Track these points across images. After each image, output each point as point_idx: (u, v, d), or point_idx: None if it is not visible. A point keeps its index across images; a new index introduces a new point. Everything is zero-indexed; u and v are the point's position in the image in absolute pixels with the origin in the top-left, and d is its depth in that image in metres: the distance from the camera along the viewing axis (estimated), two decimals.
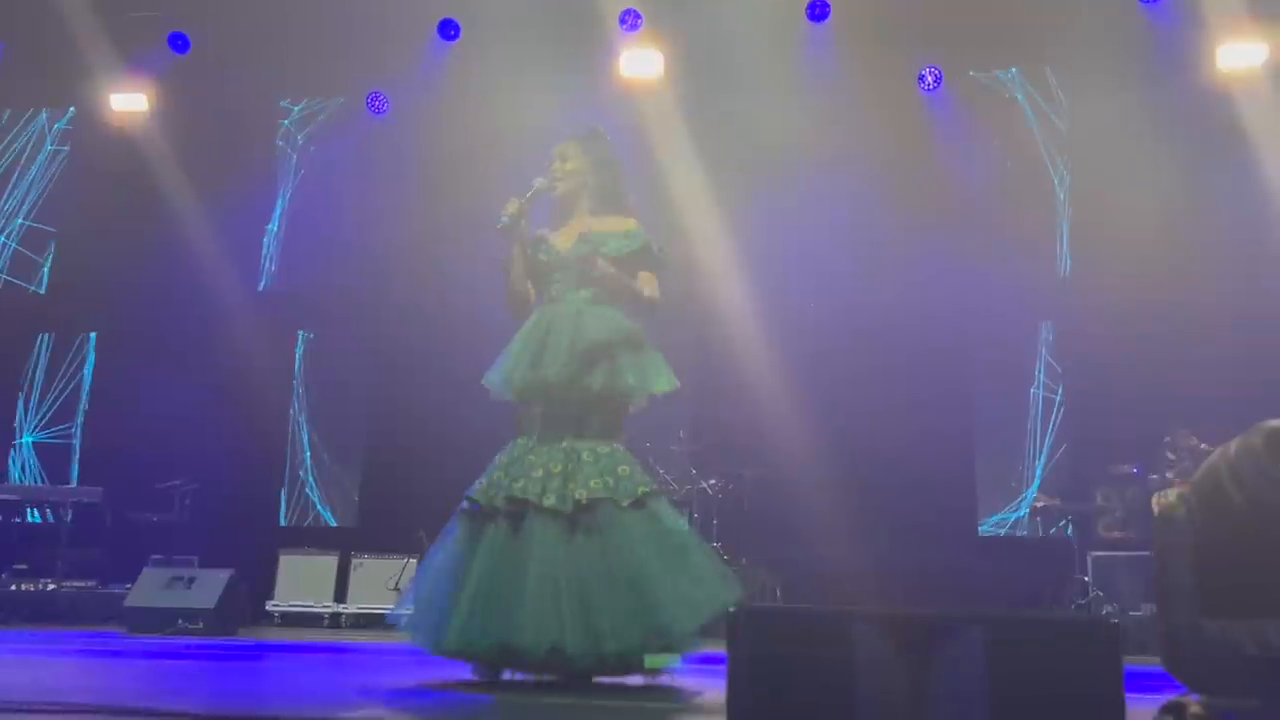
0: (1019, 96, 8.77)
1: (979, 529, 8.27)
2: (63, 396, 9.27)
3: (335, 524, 8.83)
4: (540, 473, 3.16)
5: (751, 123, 8.39)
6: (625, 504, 3.14)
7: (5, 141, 9.70)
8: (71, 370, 9.35)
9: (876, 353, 7.96)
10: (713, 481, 7.65)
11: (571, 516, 3.08)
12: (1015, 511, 8.27)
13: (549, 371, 3.26)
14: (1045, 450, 8.32)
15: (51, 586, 6.99)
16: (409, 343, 8.66)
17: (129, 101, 9.00)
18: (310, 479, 8.96)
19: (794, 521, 7.49)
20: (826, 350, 7.96)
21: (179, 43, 8.86)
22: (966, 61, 8.74)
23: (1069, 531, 7.78)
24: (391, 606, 6.86)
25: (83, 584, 7.19)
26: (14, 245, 9.59)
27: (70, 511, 7.63)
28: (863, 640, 1.48)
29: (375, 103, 9.13)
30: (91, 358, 9.40)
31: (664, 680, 3.16)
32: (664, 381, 3.39)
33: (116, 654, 4.42)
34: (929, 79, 8.65)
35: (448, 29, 8.74)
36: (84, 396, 9.28)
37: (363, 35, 8.69)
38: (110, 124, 9.12)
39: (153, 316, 8.90)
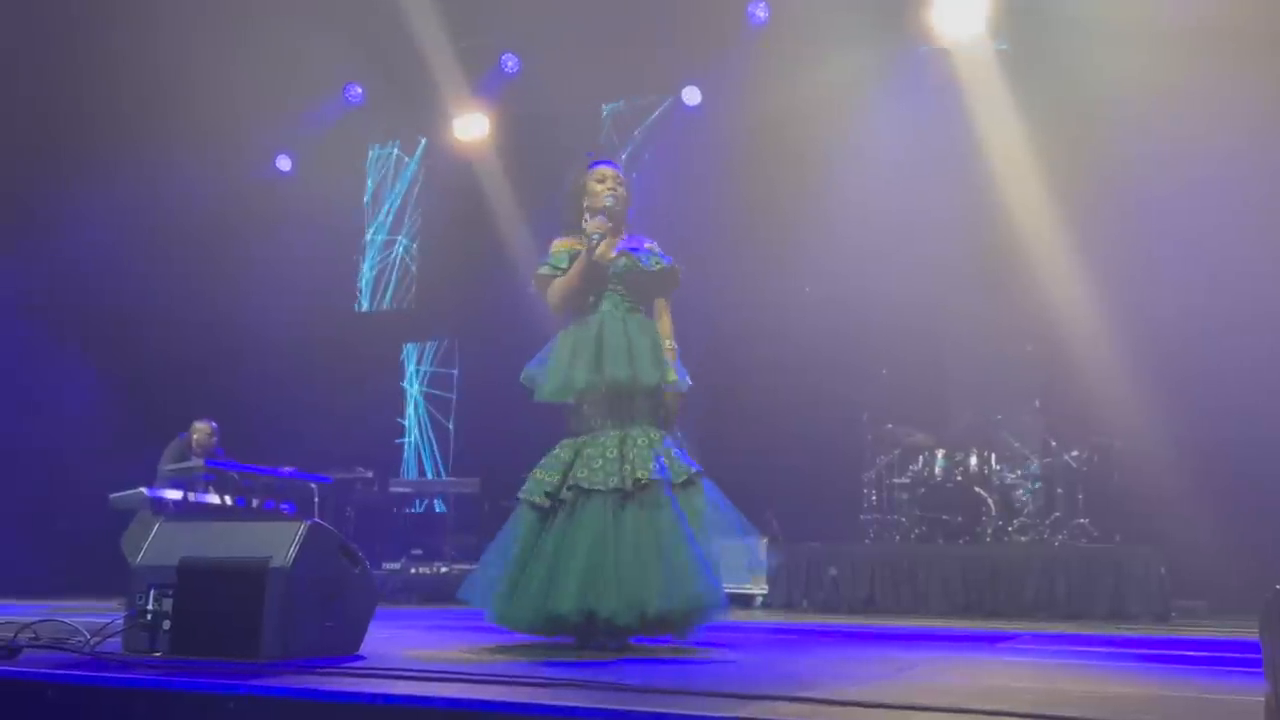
0: None
1: None
2: (435, 398, 10.26)
3: None
4: (600, 462, 3.57)
5: (1090, 75, 7.51)
6: (677, 483, 3.60)
7: (373, 175, 10.89)
8: (441, 374, 10.34)
9: (1263, 312, 7.01)
10: (1075, 453, 7.11)
11: (629, 494, 3.51)
12: None
13: (612, 371, 3.66)
14: None
15: (444, 569, 7.73)
16: (734, 332, 8.71)
17: (472, 126, 9.77)
18: None
19: (1174, 495, 6.80)
20: (1201, 305, 7.13)
21: (510, 64, 9.52)
22: None
23: None
24: (747, 586, 7.03)
25: (468, 566, 7.89)
26: (390, 267, 10.76)
27: (451, 501, 8.43)
28: None
29: (691, 95, 9.32)
30: (442, 362, 10.32)
31: (693, 642, 3.59)
32: (672, 374, 3.82)
33: None
34: None
35: (756, 12, 8.76)
36: (454, 396, 10.23)
37: (675, 31, 8.90)
38: (457, 149, 9.98)
39: (504, 322, 9.62)
